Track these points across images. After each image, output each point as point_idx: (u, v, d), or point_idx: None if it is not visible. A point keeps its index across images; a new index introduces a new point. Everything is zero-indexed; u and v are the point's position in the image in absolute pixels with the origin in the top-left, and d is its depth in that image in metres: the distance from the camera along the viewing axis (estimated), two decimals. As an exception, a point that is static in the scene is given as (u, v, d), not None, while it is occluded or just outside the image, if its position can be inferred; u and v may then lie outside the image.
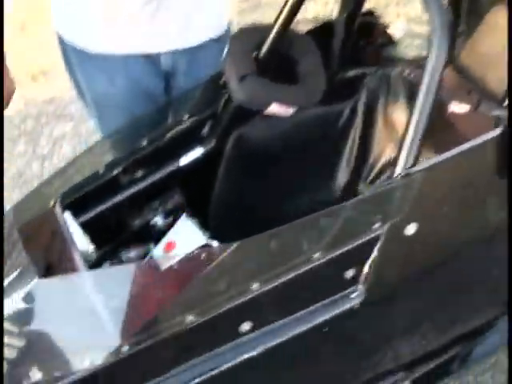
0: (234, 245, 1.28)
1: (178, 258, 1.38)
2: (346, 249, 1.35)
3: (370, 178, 2.02)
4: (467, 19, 1.78)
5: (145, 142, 1.72)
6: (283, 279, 1.31)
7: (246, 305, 1.30)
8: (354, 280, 1.40)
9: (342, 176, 2.00)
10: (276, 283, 1.30)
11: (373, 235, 1.35)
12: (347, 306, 1.41)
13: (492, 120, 1.49)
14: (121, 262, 1.74)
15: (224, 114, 1.79)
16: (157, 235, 1.79)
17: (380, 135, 1.98)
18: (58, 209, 1.58)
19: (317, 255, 1.32)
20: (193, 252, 1.36)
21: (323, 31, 1.81)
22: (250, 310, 1.32)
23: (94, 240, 1.63)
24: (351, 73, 1.87)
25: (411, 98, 1.94)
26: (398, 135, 1.98)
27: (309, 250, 1.32)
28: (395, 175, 1.35)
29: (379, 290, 1.43)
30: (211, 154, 1.81)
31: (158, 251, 1.66)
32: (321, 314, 1.40)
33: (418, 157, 1.37)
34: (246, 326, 1.33)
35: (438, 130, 1.78)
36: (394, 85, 1.87)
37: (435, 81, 1.33)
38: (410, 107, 1.92)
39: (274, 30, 1.66)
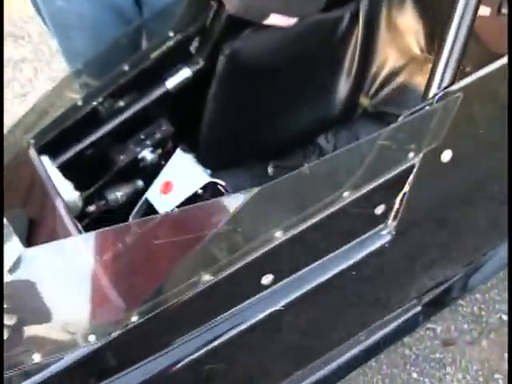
0: (254, 190, 1.10)
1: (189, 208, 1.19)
2: (378, 182, 1.20)
3: (372, 90, 1.84)
4: None
5: (126, 67, 1.49)
6: (311, 222, 1.15)
7: (269, 255, 1.14)
8: (384, 216, 1.27)
9: (343, 88, 1.80)
10: (303, 227, 1.15)
11: (407, 165, 1.21)
12: (377, 244, 1.28)
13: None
14: (107, 203, 1.55)
15: (214, 27, 1.54)
16: (146, 171, 1.60)
17: (383, 42, 1.77)
18: (32, 153, 1.37)
19: (347, 193, 1.16)
20: (207, 202, 1.16)
21: None
22: (273, 261, 1.17)
23: (76, 183, 1.44)
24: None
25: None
26: (403, 42, 1.79)
27: (338, 188, 1.16)
28: (430, 95, 1.18)
29: (409, 224, 1.30)
30: (201, 74, 1.58)
31: (152, 193, 1.47)
32: (349, 256, 1.27)
33: (456, 74, 1.20)
34: (268, 278, 1.18)
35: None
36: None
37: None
38: (417, 10, 1.74)
39: None
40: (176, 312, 1.12)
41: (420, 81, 1.76)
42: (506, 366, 1.81)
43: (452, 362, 1.83)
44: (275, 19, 1.43)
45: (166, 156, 1.62)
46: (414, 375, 1.81)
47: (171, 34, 1.52)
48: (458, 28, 1.15)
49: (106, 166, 1.56)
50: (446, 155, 1.23)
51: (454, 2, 1.17)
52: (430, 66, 1.77)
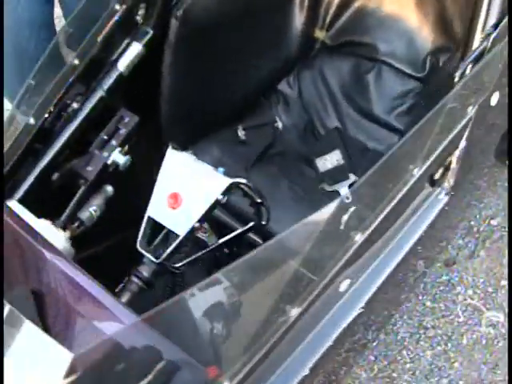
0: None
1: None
2: (441, 148, 1.06)
3: (327, 21, 1.66)
4: None
5: (76, 60, 1.20)
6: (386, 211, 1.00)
7: (347, 261, 0.99)
8: (441, 179, 1.15)
9: (297, 25, 1.61)
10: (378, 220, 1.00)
11: (465, 120, 1.08)
12: (436, 209, 1.17)
13: None
14: (82, 224, 1.28)
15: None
16: (116, 175, 1.34)
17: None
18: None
19: (416, 170, 1.02)
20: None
21: None
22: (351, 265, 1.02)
23: (45, 211, 1.18)
24: None
25: None
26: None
27: (410, 168, 1.01)
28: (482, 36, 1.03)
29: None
30: (152, 45, 1.32)
31: (157, 210, 1.19)
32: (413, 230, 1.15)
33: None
34: (345, 284, 1.03)
35: None
36: None
37: None
38: None
39: None
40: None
41: (380, 1, 1.60)
42: (507, 270, 1.80)
43: (459, 280, 1.80)
44: None
45: (135, 151, 1.37)
46: (428, 303, 1.76)
47: (117, 6, 1.24)
48: None
49: (74, 183, 1.29)
50: (495, 98, 1.12)
51: None
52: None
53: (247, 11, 1.47)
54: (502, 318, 1.75)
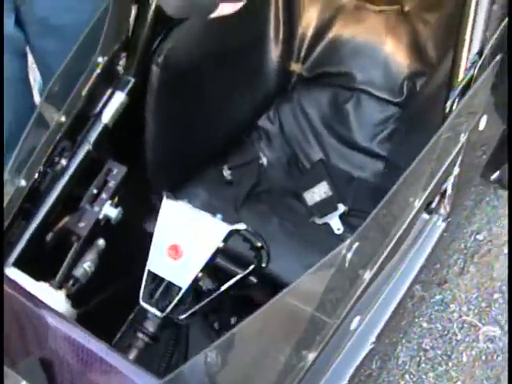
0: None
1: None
2: (438, 175, 1.07)
3: (303, 53, 1.67)
4: None
5: (62, 118, 1.18)
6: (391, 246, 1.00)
7: (357, 300, 0.98)
8: (438, 207, 1.17)
9: (273, 59, 1.61)
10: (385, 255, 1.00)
11: (458, 147, 1.09)
12: (435, 235, 1.18)
13: None
14: (77, 281, 1.25)
15: (137, 36, 1.28)
16: (108, 228, 1.32)
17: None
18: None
19: (416, 201, 1.02)
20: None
21: None
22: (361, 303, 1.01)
23: (40, 273, 1.15)
24: None
25: None
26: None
27: (411, 200, 1.02)
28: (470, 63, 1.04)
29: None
30: (134, 93, 1.32)
31: (157, 263, 1.17)
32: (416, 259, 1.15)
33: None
34: (356, 321, 1.03)
35: None
36: None
37: None
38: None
39: None
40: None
41: (354, 30, 1.62)
42: (499, 284, 1.83)
43: (452, 298, 1.81)
44: (224, 8, 1.20)
45: (125, 201, 1.36)
46: (425, 325, 1.77)
47: (99, 59, 1.22)
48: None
49: (67, 241, 1.27)
50: (483, 122, 1.13)
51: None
52: (361, 12, 1.65)
53: (225, 51, 1.48)
54: (498, 331, 1.76)
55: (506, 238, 1.92)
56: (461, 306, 1.80)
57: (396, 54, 1.60)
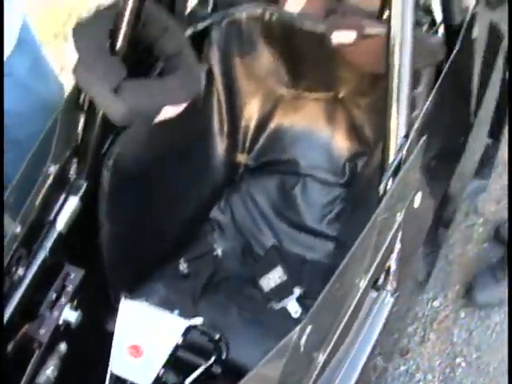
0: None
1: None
2: (380, 254, 1.12)
3: (247, 145, 1.75)
4: None
5: (18, 228, 1.21)
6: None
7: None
8: (384, 283, 1.22)
9: (219, 152, 1.68)
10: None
11: (396, 226, 1.15)
12: (385, 311, 1.22)
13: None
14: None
15: (86, 141, 1.33)
16: (69, 332, 1.33)
17: (245, 92, 1.68)
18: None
19: (362, 282, 1.08)
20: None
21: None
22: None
23: None
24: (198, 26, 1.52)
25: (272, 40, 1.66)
26: (265, 85, 1.72)
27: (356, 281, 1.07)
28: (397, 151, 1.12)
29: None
30: (87, 196, 1.36)
31: (118, 365, 1.18)
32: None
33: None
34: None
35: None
36: (246, 31, 1.57)
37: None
38: (272, 50, 1.66)
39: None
40: None
41: (293, 119, 1.71)
42: (460, 348, 1.87)
43: (416, 368, 1.84)
44: (167, 112, 1.26)
45: (84, 303, 1.38)
46: (392, 398, 1.80)
47: (51, 168, 1.27)
48: (399, 75, 1.10)
49: (29, 348, 1.28)
50: (417, 199, 1.20)
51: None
52: (299, 101, 1.74)
53: (172, 152, 1.54)
54: (465, 396, 1.80)
55: (461, 301, 1.99)
56: (425, 374, 1.84)
57: (335, 137, 1.69)
